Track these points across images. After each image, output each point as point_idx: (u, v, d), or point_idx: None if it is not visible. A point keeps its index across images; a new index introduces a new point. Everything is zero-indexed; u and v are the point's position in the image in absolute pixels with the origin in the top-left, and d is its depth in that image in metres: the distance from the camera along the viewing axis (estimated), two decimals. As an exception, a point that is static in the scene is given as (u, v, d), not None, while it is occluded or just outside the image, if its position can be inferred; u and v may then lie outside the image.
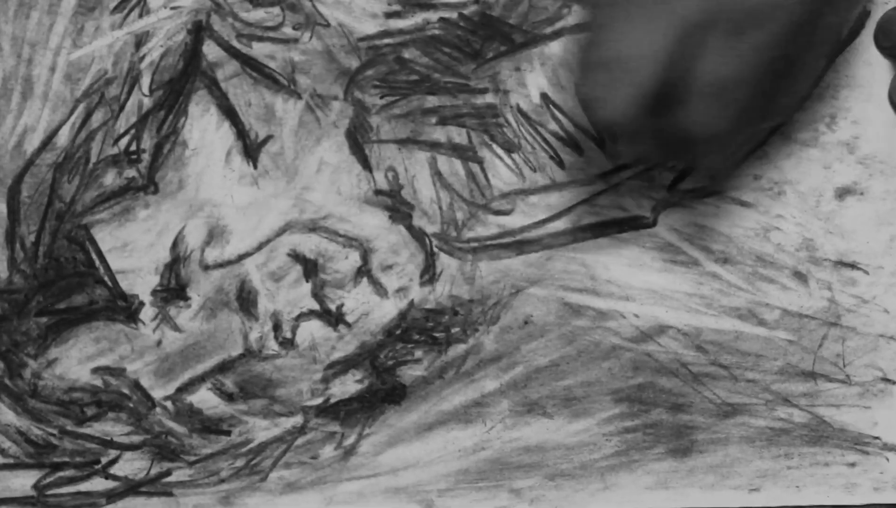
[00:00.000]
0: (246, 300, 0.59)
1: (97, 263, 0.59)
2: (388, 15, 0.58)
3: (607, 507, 0.58)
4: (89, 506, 0.59)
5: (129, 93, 0.59)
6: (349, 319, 0.59)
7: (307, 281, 0.59)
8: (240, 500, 0.59)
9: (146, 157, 0.59)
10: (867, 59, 0.58)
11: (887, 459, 0.58)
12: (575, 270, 0.58)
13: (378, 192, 0.59)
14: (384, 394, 0.59)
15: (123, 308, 0.59)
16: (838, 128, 0.58)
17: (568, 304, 0.58)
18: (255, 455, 0.59)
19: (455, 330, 0.59)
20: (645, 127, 0.49)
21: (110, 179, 0.59)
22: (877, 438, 0.58)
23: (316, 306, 0.59)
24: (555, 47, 0.58)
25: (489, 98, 0.58)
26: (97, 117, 0.59)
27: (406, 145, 0.58)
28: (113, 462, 0.59)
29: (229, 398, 0.59)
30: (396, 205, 0.58)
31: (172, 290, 0.59)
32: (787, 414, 0.58)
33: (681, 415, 0.58)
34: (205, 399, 0.59)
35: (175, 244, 0.59)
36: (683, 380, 0.58)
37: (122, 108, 0.59)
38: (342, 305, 0.59)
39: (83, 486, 0.59)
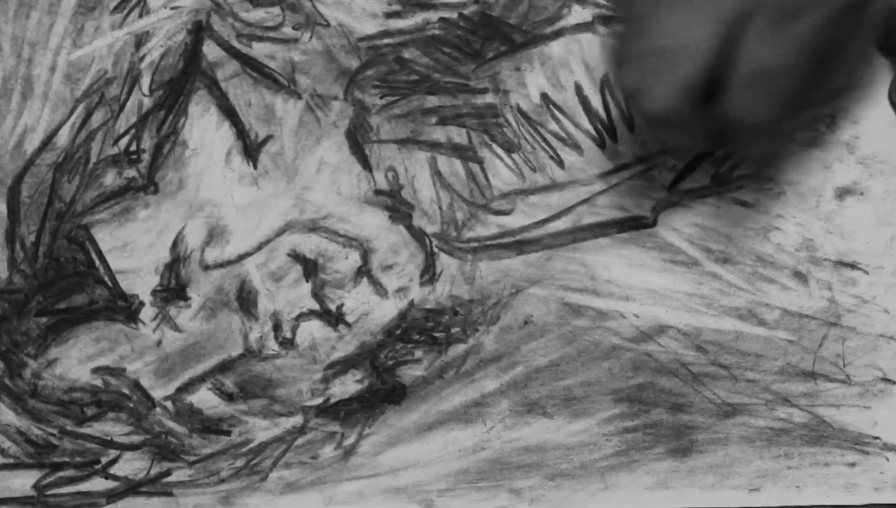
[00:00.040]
0: (246, 300, 0.59)
1: (97, 263, 0.59)
2: (388, 15, 0.58)
3: (607, 507, 0.58)
4: (89, 506, 0.59)
5: (129, 93, 0.59)
6: (349, 319, 0.59)
7: (307, 281, 0.59)
8: (240, 500, 0.59)
9: (146, 157, 0.59)
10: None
11: (887, 459, 0.58)
12: (575, 270, 0.58)
13: (378, 192, 0.58)
14: (384, 394, 0.59)
15: (123, 308, 0.59)
16: (838, 128, 0.58)
17: (568, 304, 0.58)
18: (255, 455, 0.59)
19: (455, 330, 0.59)
20: (691, 117, 0.49)
21: (110, 179, 0.59)
22: (877, 438, 0.58)
23: (316, 307, 0.59)
24: (555, 47, 0.58)
25: (489, 98, 0.58)
26: (97, 117, 0.59)
27: (406, 145, 0.58)
28: (113, 462, 0.59)
29: (229, 398, 0.59)
30: (396, 205, 0.58)
31: (172, 290, 0.59)
32: (787, 414, 0.58)
33: (681, 415, 0.58)
34: (205, 399, 0.59)
35: (175, 244, 0.59)
36: (683, 380, 0.58)
37: (122, 108, 0.59)
38: (342, 305, 0.59)
39: (83, 486, 0.59)
